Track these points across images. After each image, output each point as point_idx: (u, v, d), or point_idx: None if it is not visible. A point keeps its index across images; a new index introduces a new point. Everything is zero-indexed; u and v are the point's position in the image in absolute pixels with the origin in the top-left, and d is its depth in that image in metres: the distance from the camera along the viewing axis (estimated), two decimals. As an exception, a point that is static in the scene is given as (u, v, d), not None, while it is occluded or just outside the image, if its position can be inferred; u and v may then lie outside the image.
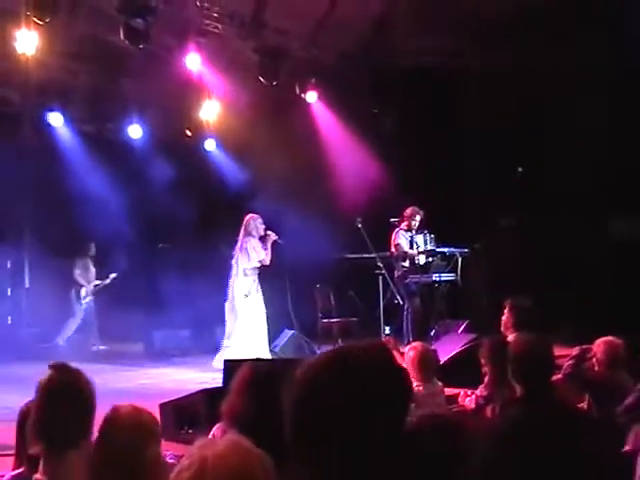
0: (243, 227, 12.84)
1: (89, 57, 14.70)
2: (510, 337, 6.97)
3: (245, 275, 12.75)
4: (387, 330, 13.67)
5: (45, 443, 3.53)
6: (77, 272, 15.58)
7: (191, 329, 15.24)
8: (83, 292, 15.59)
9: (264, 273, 13.01)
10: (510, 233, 14.72)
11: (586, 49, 13.24)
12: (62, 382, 3.63)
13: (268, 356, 12.17)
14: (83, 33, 13.79)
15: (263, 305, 12.86)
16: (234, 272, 12.82)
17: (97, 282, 15.63)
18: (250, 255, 12.69)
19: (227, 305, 12.87)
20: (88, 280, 15.66)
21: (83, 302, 15.53)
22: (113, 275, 15.43)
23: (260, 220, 12.87)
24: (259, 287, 12.89)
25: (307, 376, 2.00)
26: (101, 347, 15.25)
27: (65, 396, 3.59)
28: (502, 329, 7.47)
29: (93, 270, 15.77)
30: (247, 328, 12.58)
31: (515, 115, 14.41)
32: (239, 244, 12.80)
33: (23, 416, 4.08)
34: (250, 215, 12.95)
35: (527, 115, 14.44)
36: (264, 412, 3.30)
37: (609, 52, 13.05)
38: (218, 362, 11.70)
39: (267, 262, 12.78)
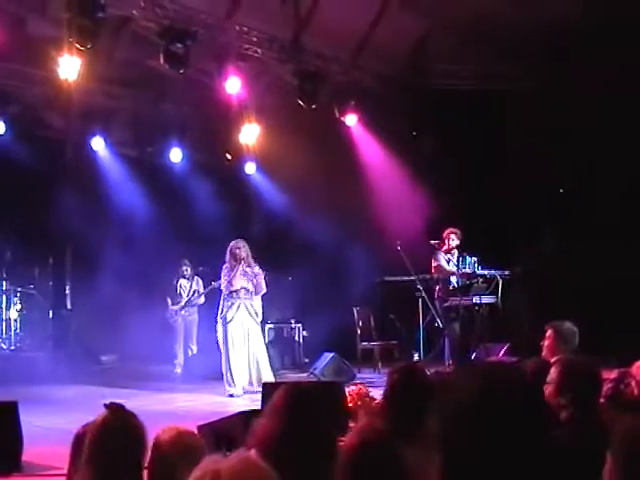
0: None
1: (130, 82, 14.89)
2: (553, 360, 6.90)
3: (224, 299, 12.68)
4: (416, 356, 13.59)
5: None
6: (168, 298, 15.42)
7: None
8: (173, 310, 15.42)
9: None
10: (551, 256, 14.61)
11: (631, 70, 13.16)
12: (116, 424, 3.63)
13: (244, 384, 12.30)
14: (124, 58, 13.94)
15: (245, 331, 12.53)
16: None
17: (185, 299, 15.35)
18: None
19: None
20: (176, 302, 15.44)
21: (177, 318, 15.33)
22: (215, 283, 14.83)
23: (235, 245, 12.62)
24: (245, 311, 12.58)
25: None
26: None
27: (117, 439, 3.59)
28: (544, 353, 7.36)
29: (187, 286, 15.54)
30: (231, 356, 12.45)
31: (556, 137, 14.33)
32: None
33: (79, 438, 4.08)
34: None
35: (568, 137, 14.35)
36: (295, 435, 3.28)
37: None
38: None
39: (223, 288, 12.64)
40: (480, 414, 1.89)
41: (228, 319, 12.44)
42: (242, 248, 12.55)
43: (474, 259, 13.44)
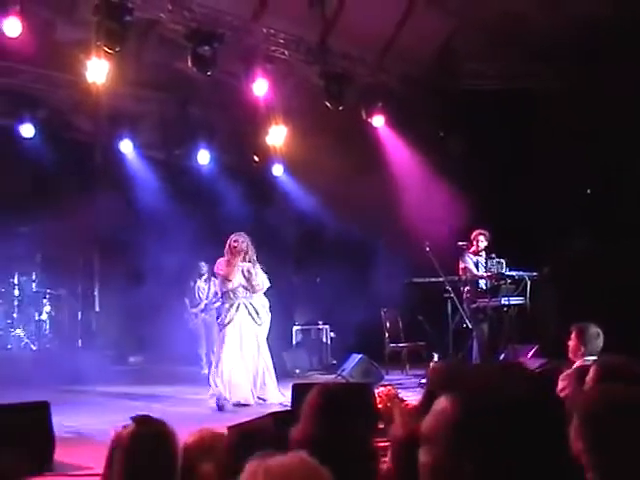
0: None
1: (158, 85, 14.95)
2: (578, 362, 6.88)
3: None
4: (436, 357, 13.54)
5: None
6: (187, 300, 15.50)
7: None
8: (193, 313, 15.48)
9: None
10: (580, 257, 14.52)
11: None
12: (145, 436, 3.60)
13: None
14: (152, 61, 14.01)
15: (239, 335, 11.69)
16: None
17: (205, 301, 15.37)
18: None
19: None
20: (195, 304, 15.51)
21: (197, 321, 15.37)
22: None
23: (232, 238, 11.78)
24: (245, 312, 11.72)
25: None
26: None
27: (148, 452, 3.56)
28: (570, 355, 7.34)
29: (205, 288, 15.63)
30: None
31: (584, 137, 14.24)
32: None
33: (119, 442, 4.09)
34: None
35: (596, 137, 14.26)
36: (333, 437, 3.28)
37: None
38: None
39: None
40: (504, 416, 1.89)
41: (226, 322, 11.59)
42: (240, 241, 11.67)
43: (502, 261, 13.38)
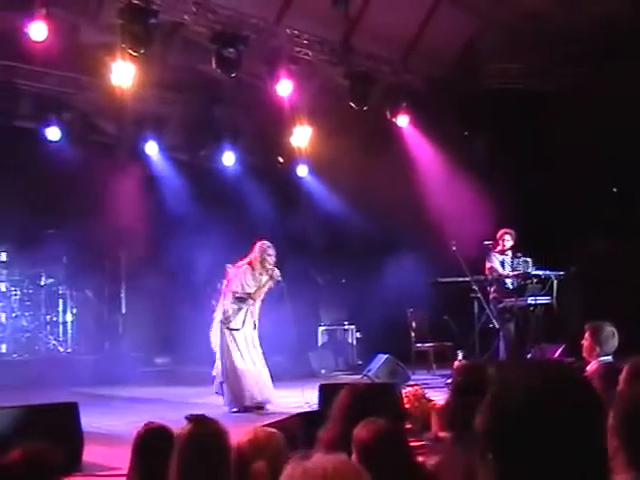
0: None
1: (183, 87, 15.00)
2: (593, 362, 6.83)
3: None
4: (460, 356, 13.48)
5: None
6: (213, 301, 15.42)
7: (283, 355, 15.23)
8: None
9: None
10: (606, 256, 14.45)
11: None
12: (201, 435, 3.66)
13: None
14: (176, 64, 14.07)
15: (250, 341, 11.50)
16: None
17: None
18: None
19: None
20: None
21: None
22: None
23: (268, 249, 11.38)
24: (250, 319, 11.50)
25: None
26: None
27: (205, 450, 3.62)
28: (584, 354, 7.26)
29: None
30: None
31: (608, 135, 14.17)
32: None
33: (141, 439, 4.12)
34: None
35: (621, 135, 14.18)
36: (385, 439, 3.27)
37: None
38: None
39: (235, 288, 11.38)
40: (538, 413, 1.87)
41: (236, 326, 11.29)
42: (274, 255, 11.32)
43: (528, 260, 13.32)
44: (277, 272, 11.32)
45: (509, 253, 13.34)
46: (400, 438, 3.55)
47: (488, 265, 13.27)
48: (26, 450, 3.62)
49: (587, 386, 1.95)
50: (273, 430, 3.81)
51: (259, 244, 11.40)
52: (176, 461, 3.61)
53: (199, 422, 3.71)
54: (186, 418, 3.72)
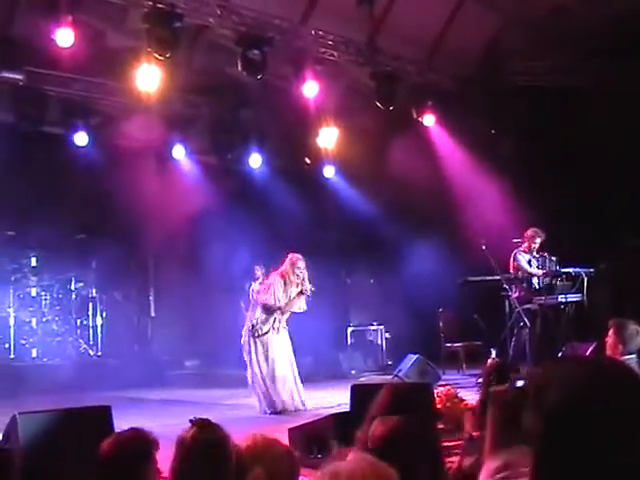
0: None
1: (208, 90, 15.04)
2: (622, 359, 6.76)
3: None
4: (494, 354, 13.41)
5: None
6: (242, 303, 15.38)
7: (313, 356, 15.24)
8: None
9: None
10: (634, 253, 14.35)
11: None
12: (203, 440, 3.64)
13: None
14: (202, 67, 14.11)
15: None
16: None
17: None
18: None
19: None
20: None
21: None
22: None
23: (299, 262, 11.44)
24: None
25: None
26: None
27: (207, 455, 3.61)
28: (607, 352, 7.17)
29: None
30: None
31: (635, 132, 14.06)
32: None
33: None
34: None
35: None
36: (405, 436, 3.26)
37: None
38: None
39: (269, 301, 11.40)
40: (589, 411, 1.84)
41: (264, 331, 11.37)
42: (304, 267, 11.39)
43: (554, 259, 13.25)
44: (307, 287, 11.39)
45: (535, 252, 13.27)
46: (417, 436, 3.53)
47: (513, 264, 13.20)
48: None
49: (635, 385, 1.92)
50: (272, 437, 3.79)
51: (290, 256, 11.48)
52: (178, 465, 3.61)
53: (202, 426, 3.69)
54: (190, 422, 3.70)
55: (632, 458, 1.79)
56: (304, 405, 11.32)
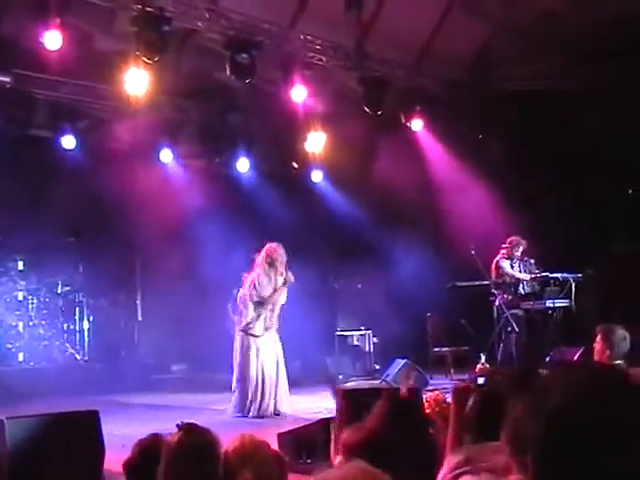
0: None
1: (197, 93, 15.02)
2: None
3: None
4: (483, 359, 13.42)
5: None
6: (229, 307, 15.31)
7: (301, 360, 15.22)
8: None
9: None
10: (622, 258, 14.38)
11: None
12: (191, 445, 3.62)
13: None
14: (190, 70, 14.09)
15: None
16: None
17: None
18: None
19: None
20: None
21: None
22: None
23: (274, 249, 11.42)
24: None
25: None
26: None
27: (194, 459, 3.59)
28: (595, 357, 7.19)
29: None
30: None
31: (625, 136, 14.10)
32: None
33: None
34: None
35: (638, 137, 14.11)
36: (404, 441, 3.25)
37: None
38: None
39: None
40: (589, 415, 1.84)
41: (258, 332, 11.37)
42: (283, 254, 11.37)
43: (532, 261, 13.33)
44: (291, 276, 11.38)
45: (516, 260, 13.33)
46: (392, 442, 3.52)
47: (498, 271, 13.24)
48: (186, 429, 3.66)
49: (635, 390, 1.91)
50: (260, 438, 3.77)
51: (266, 247, 11.45)
52: (165, 469, 3.58)
53: (189, 430, 3.66)
54: (177, 426, 3.68)
55: (631, 462, 1.79)
56: (280, 412, 11.24)
